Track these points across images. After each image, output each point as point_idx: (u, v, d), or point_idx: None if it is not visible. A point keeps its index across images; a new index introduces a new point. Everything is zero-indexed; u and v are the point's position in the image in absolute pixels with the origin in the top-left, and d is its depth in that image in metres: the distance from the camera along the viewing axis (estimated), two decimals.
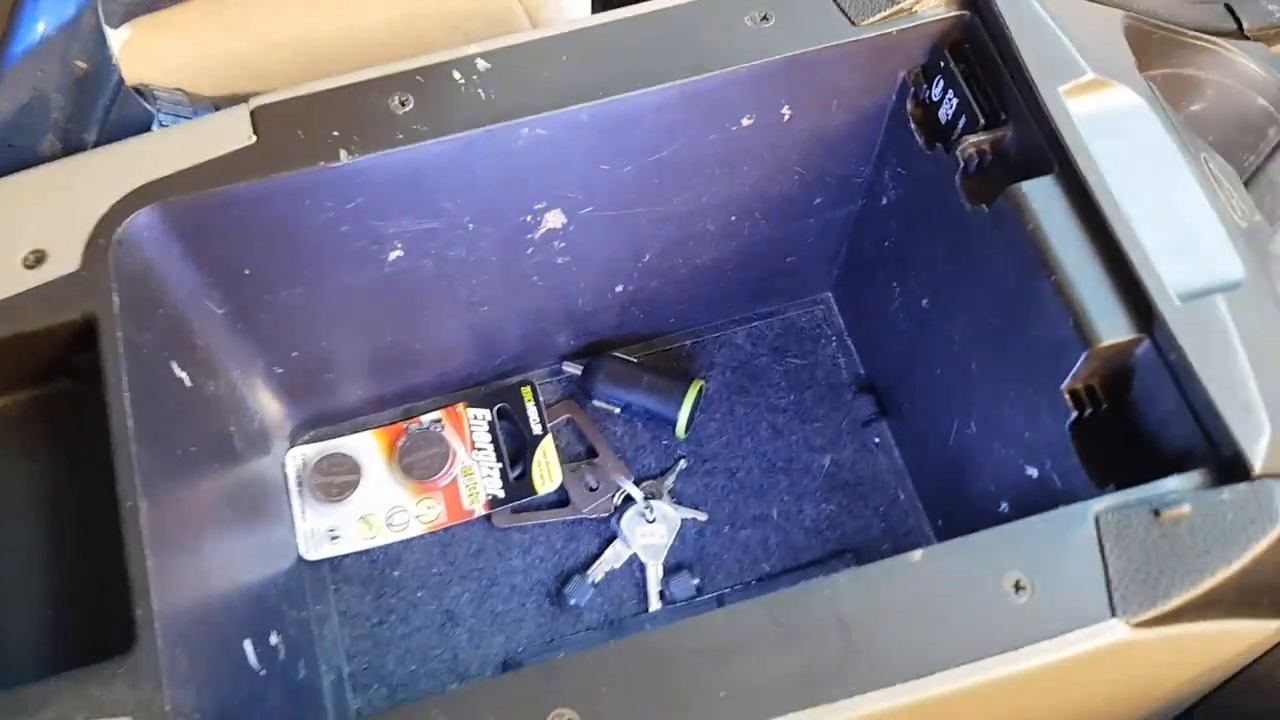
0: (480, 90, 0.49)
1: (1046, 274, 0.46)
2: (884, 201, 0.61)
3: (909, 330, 0.62)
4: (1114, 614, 0.40)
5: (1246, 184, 0.64)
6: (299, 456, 0.65)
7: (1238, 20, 0.63)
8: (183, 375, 0.51)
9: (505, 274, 0.59)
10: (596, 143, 0.52)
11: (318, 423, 0.67)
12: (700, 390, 0.66)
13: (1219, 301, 0.44)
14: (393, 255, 0.55)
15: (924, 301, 0.59)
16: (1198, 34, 0.61)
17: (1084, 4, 0.53)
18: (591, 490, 0.65)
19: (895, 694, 0.39)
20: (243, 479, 0.59)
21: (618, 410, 0.67)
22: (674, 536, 0.64)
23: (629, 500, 0.65)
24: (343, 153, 0.48)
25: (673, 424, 0.66)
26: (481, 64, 0.50)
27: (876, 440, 0.67)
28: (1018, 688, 0.40)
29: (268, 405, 0.63)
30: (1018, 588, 0.40)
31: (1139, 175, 0.47)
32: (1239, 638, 0.45)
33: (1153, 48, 0.60)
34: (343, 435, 0.67)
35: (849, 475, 0.66)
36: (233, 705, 0.45)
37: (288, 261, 0.53)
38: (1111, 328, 0.44)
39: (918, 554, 0.41)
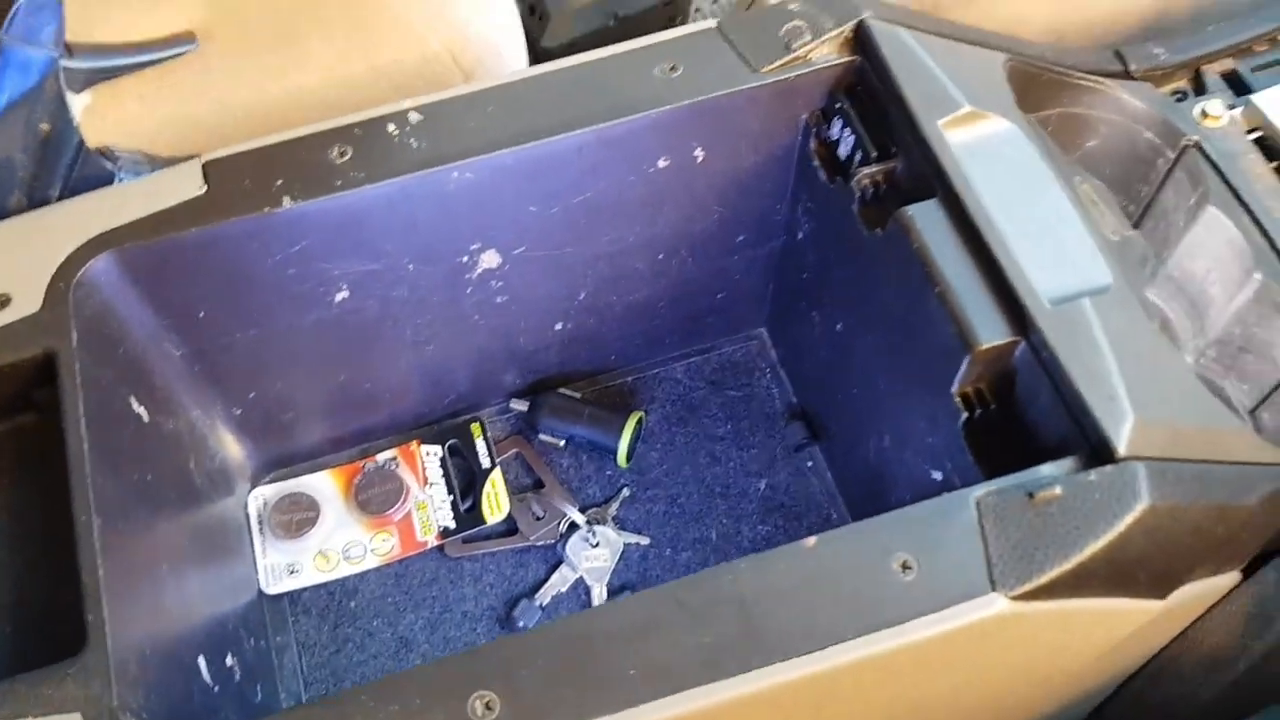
0: (413, 140, 0.54)
1: (933, 287, 0.50)
2: (800, 236, 0.65)
3: (829, 356, 0.66)
4: (994, 588, 0.43)
5: (1143, 212, 0.68)
6: (260, 497, 0.69)
7: (1124, 63, 0.68)
8: (141, 410, 0.55)
9: (447, 313, 0.63)
10: (523, 186, 0.57)
11: (278, 464, 0.70)
12: (639, 421, 0.70)
13: (1086, 304, 0.48)
14: (339, 296, 0.59)
15: (838, 326, 0.63)
16: (1085, 75, 0.66)
17: (966, 48, 0.58)
18: (538, 519, 0.68)
19: (791, 668, 0.42)
20: (205, 515, 0.62)
21: (562, 443, 0.71)
22: (617, 560, 0.67)
23: (574, 527, 0.68)
24: (286, 199, 0.52)
25: (615, 454, 0.70)
26: (414, 116, 0.55)
27: (809, 464, 0.71)
28: (910, 661, 0.44)
29: (229, 445, 0.66)
30: (905, 567, 0.43)
31: (1013, 195, 0.51)
32: (1123, 617, 0.48)
33: (1043, 89, 0.65)
34: (302, 475, 0.70)
35: (784, 498, 0.69)
36: (183, 713, 0.48)
37: (240, 304, 0.57)
38: (990, 332, 0.48)
39: (812, 540, 0.44)
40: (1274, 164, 0.66)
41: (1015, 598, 0.43)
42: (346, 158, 0.53)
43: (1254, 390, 0.62)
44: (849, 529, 0.45)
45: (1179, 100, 0.69)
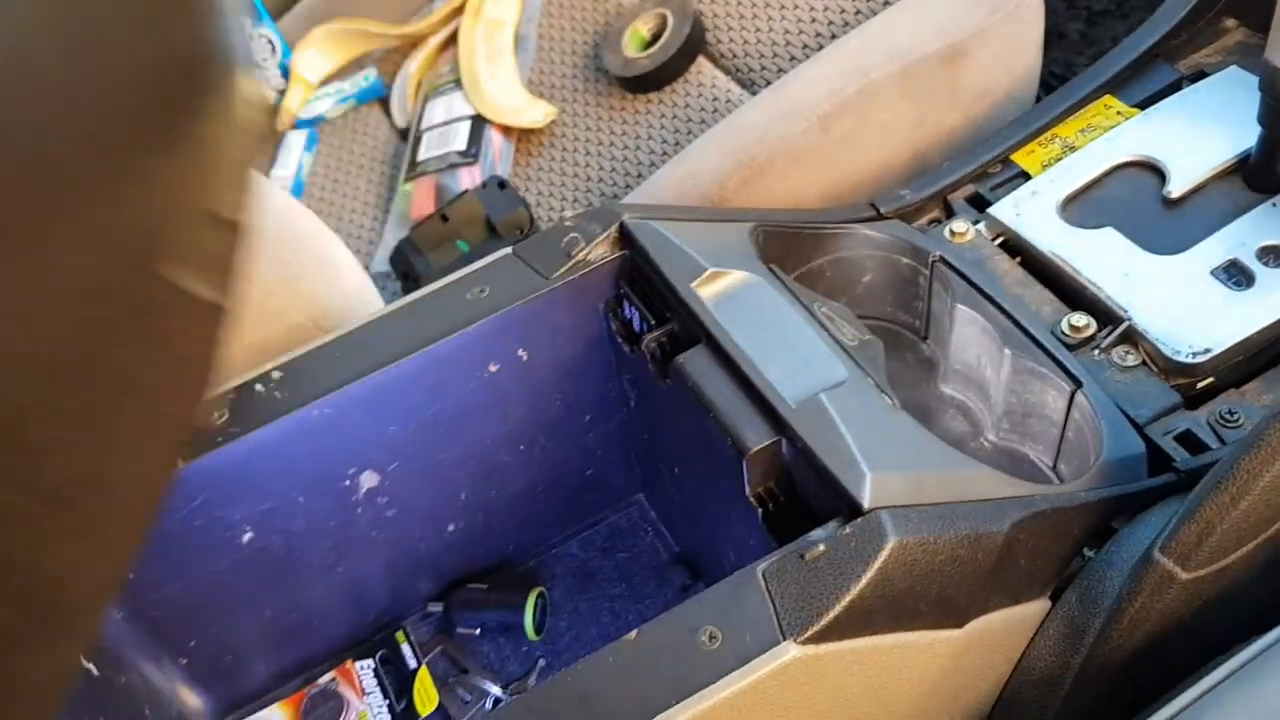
0: (277, 392, 0.65)
1: (709, 414, 0.61)
2: (632, 404, 0.76)
3: (681, 500, 0.76)
4: (784, 637, 0.51)
5: (926, 323, 0.79)
6: None
7: (876, 209, 0.81)
8: (90, 667, 0.63)
9: (345, 535, 0.72)
10: (379, 410, 0.68)
11: (232, 706, 0.77)
12: (539, 596, 0.79)
13: (823, 398, 0.58)
14: (246, 537, 0.69)
15: (676, 471, 0.73)
16: (840, 225, 0.79)
17: (715, 225, 0.71)
18: (466, 702, 0.76)
19: None
20: None
21: (478, 631, 0.79)
22: None
23: (499, 701, 0.75)
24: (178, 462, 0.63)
25: (525, 631, 0.78)
26: (276, 374, 0.66)
27: None
28: (729, 717, 0.51)
29: (183, 695, 0.74)
30: (711, 638, 0.52)
31: (758, 327, 0.62)
32: (926, 649, 0.56)
33: (805, 244, 0.77)
34: (256, 712, 0.77)
35: None
36: None
37: (160, 560, 0.67)
38: (755, 437, 0.58)
39: (633, 633, 0.53)
40: (1017, 259, 0.78)
41: (804, 641, 0.51)
42: (224, 418, 0.64)
43: (1047, 448, 0.72)
44: (662, 617, 0.53)
45: (934, 227, 0.82)
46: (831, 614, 0.51)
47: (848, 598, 0.52)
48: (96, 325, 0.24)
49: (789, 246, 0.76)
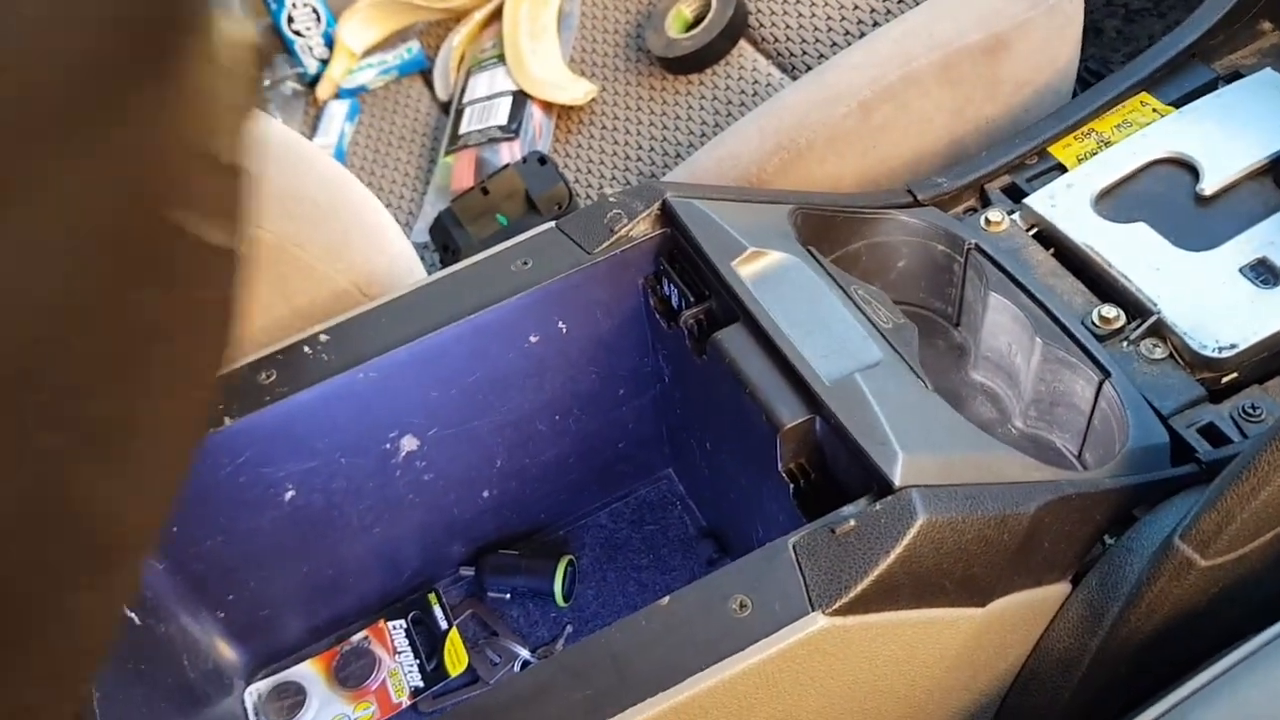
0: (324, 355, 0.67)
1: (745, 390, 0.62)
2: (666, 380, 0.78)
3: (710, 475, 0.77)
4: (813, 608, 0.53)
5: (959, 310, 0.81)
6: (255, 692, 0.78)
7: (914, 196, 0.82)
8: (132, 615, 0.66)
9: (383, 497, 0.74)
10: (421, 375, 0.69)
11: (268, 660, 0.80)
12: (568, 564, 0.81)
13: (858, 378, 0.60)
14: (288, 495, 0.71)
15: (708, 445, 0.75)
16: (878, 210, 0.80)
17: (755, 205, 0.72)
18: (495, 664, 0.78)
19: (659, 702, 0.51)
20: (205, 715, 0.72)
21: (508, 596, 0.81)
22: None
23: (527, 663, 0.77)
24: (226, 419, 0.65)
25: (553, 597, 0.80)
26: (324, 337, 0.68)
27: None
28: (759, 685, 0.53)
29: (220, 647, 0.76)
30: (741, 606, 0.53)
31: (795, 306, 0.64)
32: (948, 626, 0.58)
33: (842, 228, 0.79)
34: (290, 667, 0.80)
35: None
36: None
37: (205, 516, 0.69)
38: (790, 414, 0.60)
39: (666, 599, 0.54)
40: (1050, 250, 0.79)
41: (832, 613, 0.53)
42: (272, 379, 0.66)
43: (1073, 436, 0.73)
44: (695, 584, 0.55)
45: (969, 215, 0.83)
46: (859, 587, 0.53)
47: (876, 572, 0.53)
48: (112, 269, 0.25)
49: (827, 229, 0.77)
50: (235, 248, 0.30)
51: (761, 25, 1.09)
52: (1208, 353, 0.69)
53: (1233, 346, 0.69)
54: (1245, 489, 0.55)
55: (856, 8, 1.04)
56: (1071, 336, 0.70)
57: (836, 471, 0.61)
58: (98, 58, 0.24)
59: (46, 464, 0.25)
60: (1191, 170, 0.79)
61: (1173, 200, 0.79)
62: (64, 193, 0.24)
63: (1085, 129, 0.86)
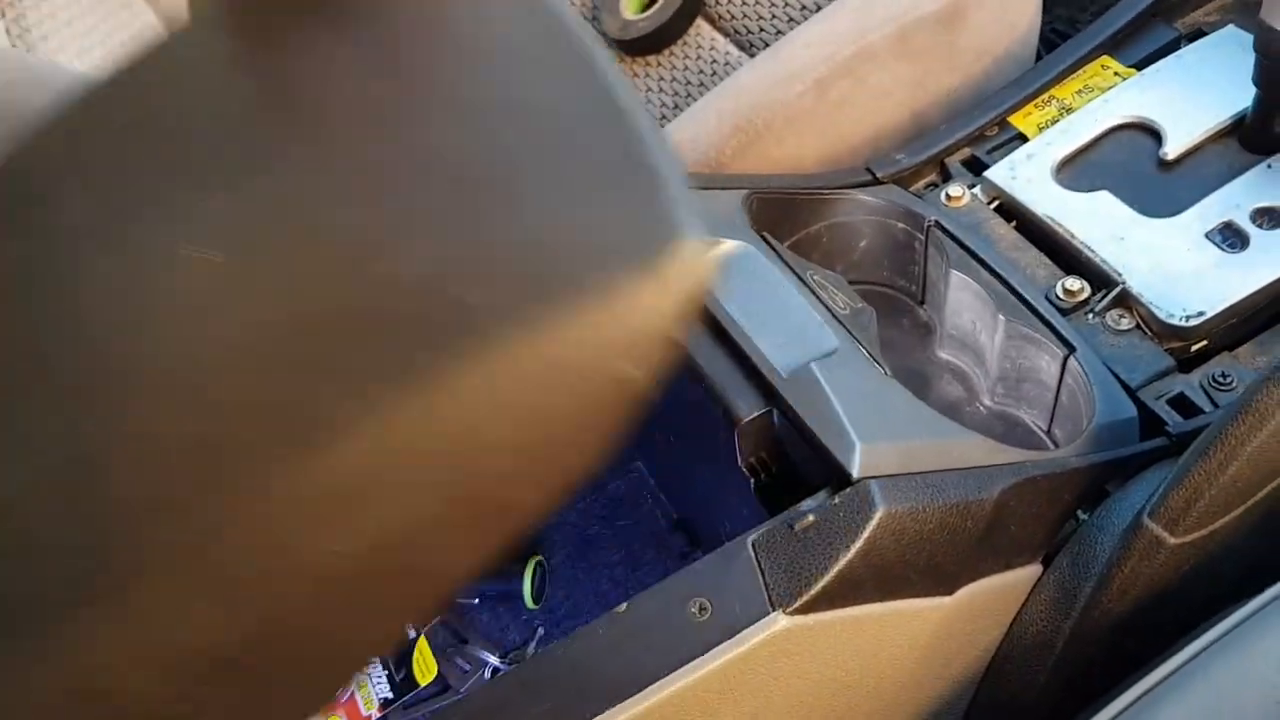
0: None
1: (701, 385, 0.61)
2: None
3: (678, 469, 0.76)
4: (773, 608, 0.52)
5: (923, 288, 0.79)
6: None
7: (873, 174, 0.80)
8: None
9: None
10: None
11: None
12: (537, 565, 0.79)
13: (814, 368, 0.58)
14: None
15: (671, 439, 0.74)
16: (836, 191, 0.78)
17: (708, 193, 0.70)
18: (465, 671, 0.77)
19: (617, 713, 0.50)
20: None
21: (477, 600, 0.80)
22: None
23: (497, 670, 0.76)
24: None
25: (523, 599, 0.78)
26: None
27: None
28: (723, 689, 0.52)
29: None
30: (701, 610, 0.52)
31: (749, 296, 0.62)
32: (915, 616, 0.57)
33: (801, 209, 0.77)
34: None
35: None
36: None
37: None
38: (746, 408, 0.58)
39: (624, 605, 0.53)
40: (1013, 223, 0.78)
41: (793, 612, 0.52)
42: None
43: (1042, 413, 0.72)
44: (653, 589, 0.54)
45: (930, 190, 0.82)
46: (820, 584, 0.52)
47: (836, 568, 0.52)
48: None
49: (784, 213, 0.75)
50: None
51: (718, 3, 1.07)
52: (1175, 321, 0.68)
53: (1200, 314, 0.68)
54: (1213, 464, 0.54)
55: None
56: (1035, 311, 0.69)
57: (796, 465, 0.59)
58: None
59: None
60: (1154, 135, 0.78)
61: (1136, 166, 0.77)
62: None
63: (1046, 96, 0.85)
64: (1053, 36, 1.28)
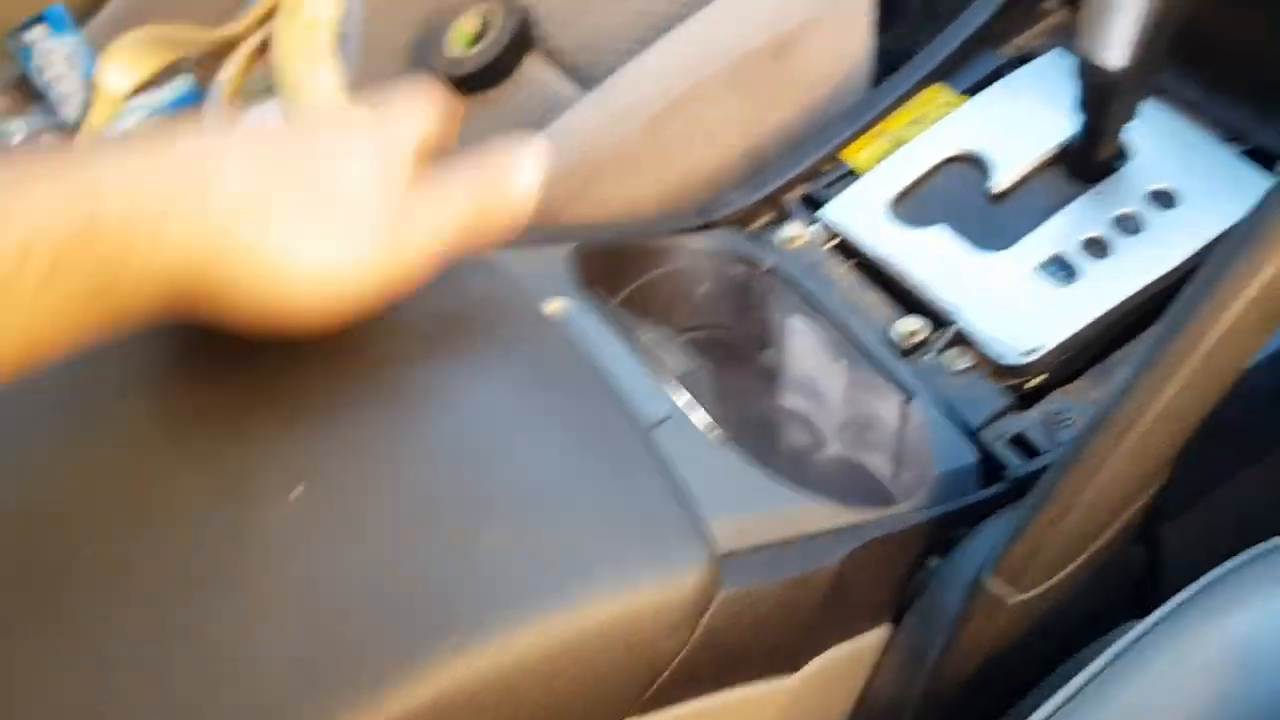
0: None
1: None
2: None
3: None
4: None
5: (763, 334, 0.77)
6: None
7: (708, 216, 0.78)
8: None
9: None
10: None
11: None
12: None
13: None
14: None
15: None
16: (673, 236, 0.76)
17: (527, 252, 0.67)
18: None
19: None
20: None
21: None
22: None
23: None
24: None
25: None
26: None
27: None
28: None
29: None
30: None
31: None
32: (761, 700, 0.54)
33: (635, 259, 0.74)
34: None
35: None
36: None
37: None
38: None
39: None
40: (852, 262, 0.76)
41: (637, 712, 0.49)
42: None
43: (888, 460, 0.71)
44: None
45: (770, 229, 0.80)
46: (657, 682, 0.49)
47: (674, 661, 0.49)
48: None
49: (617, 264, 0.73)
50: None
51: (551, 35, 1.04)
52: (1010, 360, 0.67)
53: (1035, 350, 0.67)
54: (1050, 516, 0.53)
55: (647, 12, 1.00)
56: (872, 356, 0.68)
57: None
58: None
59: None
60: (983, 166, 0.77)
61: (969, 199, 0.77)
62: None
63: (878, 129, 0.84)
64: (894, 57, 1.29)
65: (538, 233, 0.71)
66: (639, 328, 0.64)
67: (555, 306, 0.61)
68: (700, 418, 0.58)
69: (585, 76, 1.01)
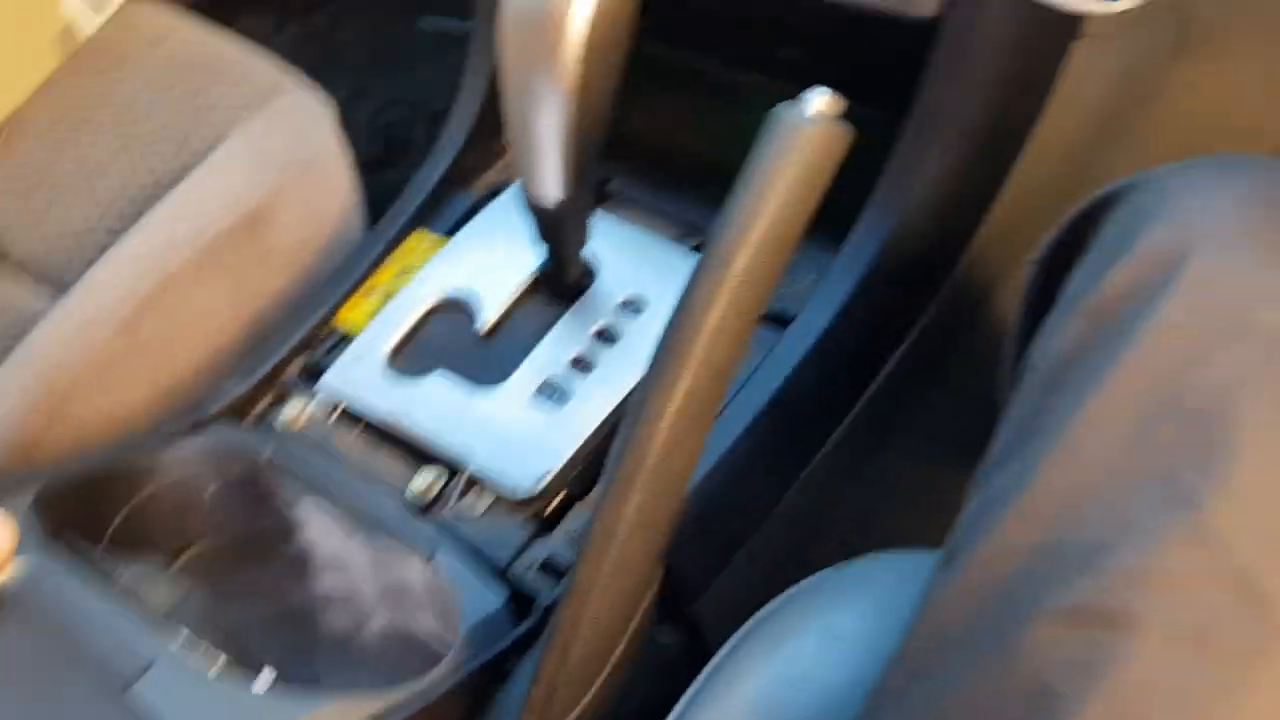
0: None
1: None
2: None
3: None
4: None
5: (283, 523, 0.74)
6: None
7: (203, 412, 0.74)
8: None
9: None
10: None
11: None
12: None
13: (137, 689, 0.51)
14: None
15: None
16: (161, 445, 0.71)
17: None
18: None
19: None
20: None
21: None
22: None
23: None
24: None
25: None
26: None
27: None
28: None
29: None
30: None
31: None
32: None
33: (124, 481, 0.70)
34: None
35: None
36: None
37: None
38: None
39: None
40: (360, 426, 0.75)
41: None
42: None
43: (430, 618, 0.70)
44: None
45: (272, 412, 0.77)
46: None
47: None
48: None
49: (101, 493, 0.68)
50: None
51: (15, 245, 0.95)
52: (525, 491, 0.69)
53: (544, 475, 0.69)
54: (556, 655, 0.54)
55: (114, 200, 0.94)
56: (387, 523, 0.67)
57: None
58: None
59: None
60: (469, 307, 0.79)
61: (461, 340, 0.78)
62: None
63: (368, 285, 0.84)
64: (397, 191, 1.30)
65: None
66: (123, 566, 0.59)
67: (6, 574, 0.55)
68: (198, 650, 0.55)
69: (65, 283, 0.94)
